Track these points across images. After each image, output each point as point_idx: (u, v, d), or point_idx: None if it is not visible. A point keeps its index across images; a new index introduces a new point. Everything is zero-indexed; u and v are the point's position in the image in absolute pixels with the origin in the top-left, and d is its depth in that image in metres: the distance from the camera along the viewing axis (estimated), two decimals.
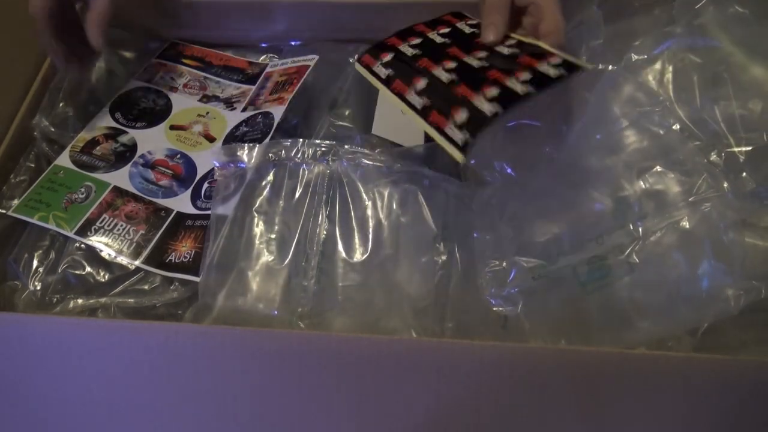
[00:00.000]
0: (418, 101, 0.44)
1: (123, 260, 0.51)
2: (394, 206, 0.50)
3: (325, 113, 0.61)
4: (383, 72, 0.47)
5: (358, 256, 0.48)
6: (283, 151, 0.52)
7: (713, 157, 0.46)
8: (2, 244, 0.53)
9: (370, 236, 0.49)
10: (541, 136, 0.47)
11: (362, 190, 0.51)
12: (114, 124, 0.61)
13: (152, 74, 0.66)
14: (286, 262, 0.48)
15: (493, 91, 0.42)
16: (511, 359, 0.41)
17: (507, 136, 0.46)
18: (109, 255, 0.52)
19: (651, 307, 0.43)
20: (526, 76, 0.42)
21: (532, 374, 0.41)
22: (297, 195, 0.51)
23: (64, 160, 0.58)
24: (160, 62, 0.67)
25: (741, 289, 0.41)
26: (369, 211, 0.50)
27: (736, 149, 0.46)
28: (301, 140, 0.52)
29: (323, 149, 0.52)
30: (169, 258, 0.51)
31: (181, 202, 0.56)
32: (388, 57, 0.48)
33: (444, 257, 0.48)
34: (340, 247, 0.48)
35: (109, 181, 0.56)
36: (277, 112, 0.58)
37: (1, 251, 0.53)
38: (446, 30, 0.50)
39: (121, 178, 0.57)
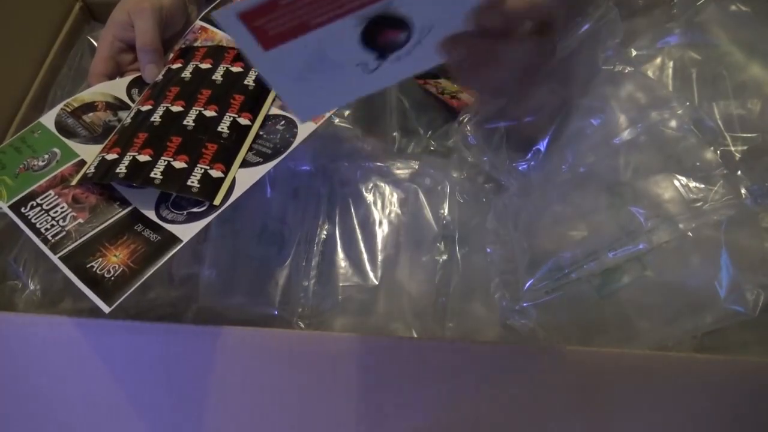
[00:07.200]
0: None
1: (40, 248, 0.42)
2: (395, 205, 0.50)
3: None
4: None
5: (359, 256, 0.48)
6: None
7: (709, 155, 0.46)
8: (2, 244, 0.53)
9: (371, 236, 0.49)
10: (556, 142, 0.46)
11: (363, 189, 0.51)
12: (124, 97, 0.52)
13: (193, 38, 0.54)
14: (286, 263, 0.48)
15: None
16: (511, 359, 0.41)
17: (519, 143, 0.46)
18: (33, 240, 0.43)
19: (662, 313, 0.42)
20: None
21: (532, 374, 0.41)
22: (297, 195, 0.51)
23: (48, 119, 0.50)
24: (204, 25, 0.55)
25: (755, 291, 0.40)
26: (369, 211, 0.50)
27: (732, 148, 0.46)
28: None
29: (325, 149, 0.52)
30: (92, 264, 0.41)
31: (145, 200, 0.45)
32: None
33: (445, 257, 0.48)
34: (339, 247, 0.48)
35: (78, 153, 0.47)
36: (305, 126, 0.46)
37: (1, 251, 0.53)
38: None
39: (94, 153, 0.47)
